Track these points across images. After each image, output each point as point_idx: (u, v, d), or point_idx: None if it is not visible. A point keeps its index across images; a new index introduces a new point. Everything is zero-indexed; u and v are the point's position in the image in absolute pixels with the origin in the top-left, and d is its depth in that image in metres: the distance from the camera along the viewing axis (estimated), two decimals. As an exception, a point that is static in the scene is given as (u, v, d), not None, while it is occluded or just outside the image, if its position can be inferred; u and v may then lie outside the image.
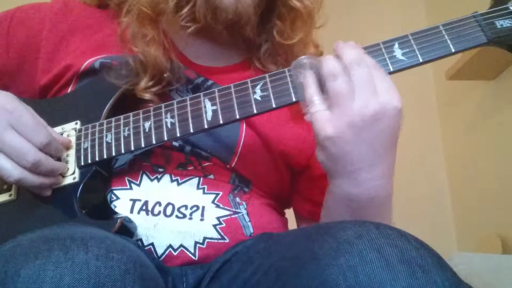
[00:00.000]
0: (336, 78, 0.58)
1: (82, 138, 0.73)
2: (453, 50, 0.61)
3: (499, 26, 0.61)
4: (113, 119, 0.73)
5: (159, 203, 0.71)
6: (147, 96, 0.74)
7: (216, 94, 0.67)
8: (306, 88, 0.61)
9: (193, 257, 0.70)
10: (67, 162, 0.73)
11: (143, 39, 0.75)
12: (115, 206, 0.71)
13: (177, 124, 0.68)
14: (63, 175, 0.72)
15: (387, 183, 0.63)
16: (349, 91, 0.57)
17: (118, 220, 0.66)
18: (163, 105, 0.70)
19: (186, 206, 0.72)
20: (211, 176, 0.75)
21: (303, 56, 0.63)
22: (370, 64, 0.59)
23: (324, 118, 0.58)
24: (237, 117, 0.66)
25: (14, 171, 0.66)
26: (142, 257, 0.52)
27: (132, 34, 0.76)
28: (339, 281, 0.45)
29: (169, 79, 0.76)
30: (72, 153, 0.73)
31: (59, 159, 0.72)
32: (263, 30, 0.82)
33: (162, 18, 0.76)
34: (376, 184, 0.61)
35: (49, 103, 0.79)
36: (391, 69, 0.62)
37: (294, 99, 0.64)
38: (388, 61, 0.62)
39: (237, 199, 0.76)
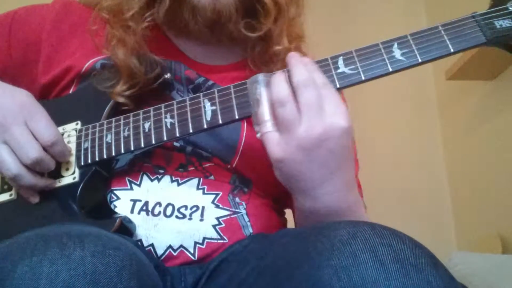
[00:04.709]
0: (282, 105, 0.59)
1: (83, 138, 0.74)
2: (452, 50, 0.61)
3: (498, 26, 0.61)
4: (113, 119, 0.73)
5: (159, 204, 0.71)
6: (120, 99, 0.74)
7: (216, 94, 0.67)
8: (259, 106, 0.62)
9: (192, 257, 0.70)
10: (67, 162, 0.73)
11: (111, 42, 0.76)
12: (115, 206, 0.71)
13: (176, 124, 0.68)
14: (62, 175, 0.72)
15: (346, 195, 0.64)
16: (295, 117, 0.59)
17: (117, 220, 0.67)
18: (163, 105, 0.70)
19: (186, 207, 0.72)
20: (212, 177, 0.75)
21: (259, 73, 0.64)
22: (320, 83, 0.60)
23: (274, 141, 0.60)
24: (236, 117, 0.66)
25: (13, 165, 0.67)
26: (138, 254, 0.53)
27: (105, 38, 0.77)
28: (333, 282, 0.45)
29: (169, 79, 0.77)
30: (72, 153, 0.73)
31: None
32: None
33: (130, 20, 0.75)
34: (332, 198, 0.62)
35: (50, 104, 0.79)
36: (390, 69, 0.62)
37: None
38: (387, 61, 0.62)
39: (237, 199, 0.76)
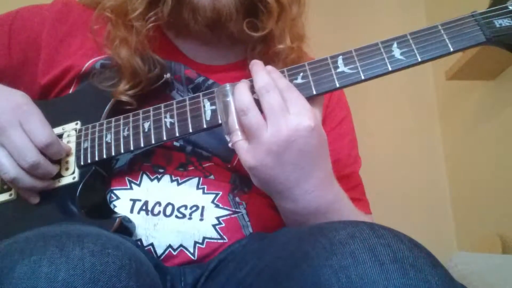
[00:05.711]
0: (245, 113, 0.60)
1: (82, 138, 0.74)
2: (451, 50, 0.61)
3: (498, 26, 0.61)
4: (113, 119, 0.73)
5: (159, 203, 0.71)
6: (123, 98, 0.75)
7: (216, 94, 0.67)
8: (228, 116, 0.63)
9: (192, 257, 0.70)
10: (67, 162, 0.73)
11: (114, 41, 0.76)
12: (114, 206, 0.71)
13: (176, 124, 0.68)
14: (62, 175, 0.72)
15: (325, 193, 0.64)
16: (260, 123, 0.60)
17: (117, 220, 0.67)
18: (162, 105, 0.71)
19: (185, 206, 0.72)
20: (212, 177, 0.76)
21: (226, 83, 0.64)
22: (283, 87, 0.61)
23: (244, 149, 0.61)
24: None
25: (11, 169, 0.68)
26: (138, 254, 0.53)
27: (107, 37, 0.77)
28: (332, 282, 0.45)
29: (168, 79, 0.77)
30: (72, 153, 0.73)
31: (58, 160, 0.72)
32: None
33: (134, 20, 0.75)
34: (311, 197, 0.63)
35: (50, 104, 0.80)
36: (390, 69, 0.62)
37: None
38: (387, 61, 0.62)
39: (237, 199, 0.76)
